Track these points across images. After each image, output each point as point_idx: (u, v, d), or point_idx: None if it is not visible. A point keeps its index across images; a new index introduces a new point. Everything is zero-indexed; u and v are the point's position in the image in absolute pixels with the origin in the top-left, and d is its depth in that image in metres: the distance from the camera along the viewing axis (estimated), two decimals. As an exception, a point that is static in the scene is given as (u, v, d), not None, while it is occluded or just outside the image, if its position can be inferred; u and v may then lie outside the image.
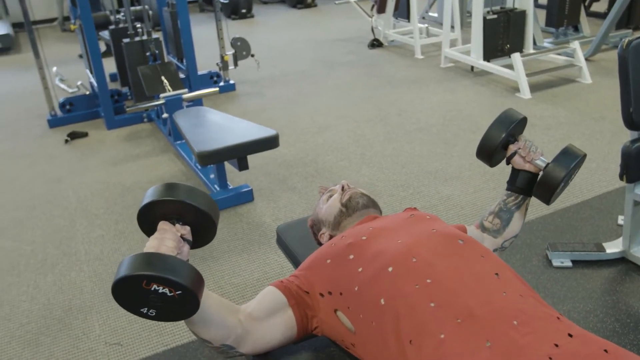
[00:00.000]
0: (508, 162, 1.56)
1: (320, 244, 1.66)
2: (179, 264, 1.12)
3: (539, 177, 1.48)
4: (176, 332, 2.12)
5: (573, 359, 1.03)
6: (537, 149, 1.52)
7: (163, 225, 1.21)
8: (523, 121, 1.58)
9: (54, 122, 4.48)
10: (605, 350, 1.05)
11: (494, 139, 1.53)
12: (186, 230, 1.23)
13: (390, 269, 1.24)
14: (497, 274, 1.23)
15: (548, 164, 1.46)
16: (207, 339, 1.24)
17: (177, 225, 1.22)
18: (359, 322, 1.26)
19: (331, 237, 1.59)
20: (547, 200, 1.47)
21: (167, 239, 1.18)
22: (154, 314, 1.13)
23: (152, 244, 1.16)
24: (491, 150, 1.54)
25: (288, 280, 1.40)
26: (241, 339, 1.28)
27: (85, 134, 4.23)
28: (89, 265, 2.59)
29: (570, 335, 1.09)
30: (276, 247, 2.54)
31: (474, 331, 1.08)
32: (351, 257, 1.33)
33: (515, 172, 1.57)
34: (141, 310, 1.12)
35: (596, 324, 2.02)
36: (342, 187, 1.64)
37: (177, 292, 1.09)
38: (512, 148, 1.55)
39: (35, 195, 3.34)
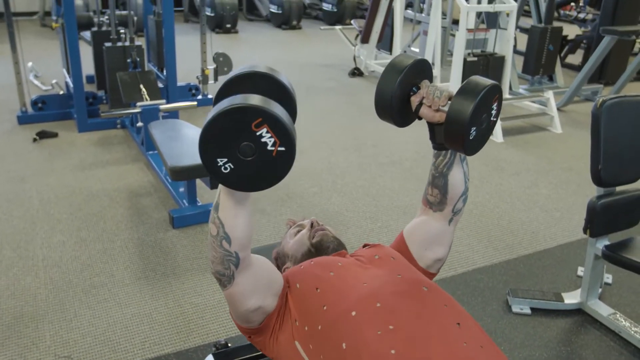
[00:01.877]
0: (418, 117, 1.32)
1: None
2: (291, 122, 1.04)
3: (444, 126, 1.22)
4: (129, 349, 2.06)
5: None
6: (443, 93, 1.27)
7: None
8: (421, 65, 1.29)
9: (23, 119, 4.38)
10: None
11: (385, 91, 1.27)
12: None
13: (353, 313, 1.24)
14: (458, 323, 1.23)
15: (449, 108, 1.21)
16: (231, 234, 1.18)
17: None
18: (319, 363, 1.25)
19: None
20: (464, 151, 1.23)
21: None
22: (229, 170, 1.03)
23: None
24: (387, 107, 1.28)
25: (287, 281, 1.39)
26: (246, 265, 1.24)
27: (55, 134, 4.14)
28: (46, 271, 2.52)
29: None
30: (240, 270, 2.52)
31: None
32: (318, 290, 1.33)
33: (430, 127, 1.34)
34: (218, 160, 1.03)
35: (550, 374, 2.05)
36: (312, 224, 1.63)
37: (280, 149, 1.01)
38: (414, 100, 1.30)
39: (-4, 193, 3.25)
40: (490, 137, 4.09)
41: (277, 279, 1.35)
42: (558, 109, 4.97)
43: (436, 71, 5.78)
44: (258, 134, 1.01)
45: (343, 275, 1.36)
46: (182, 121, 3.37)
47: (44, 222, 2.94)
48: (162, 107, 3.63)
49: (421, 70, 1.30)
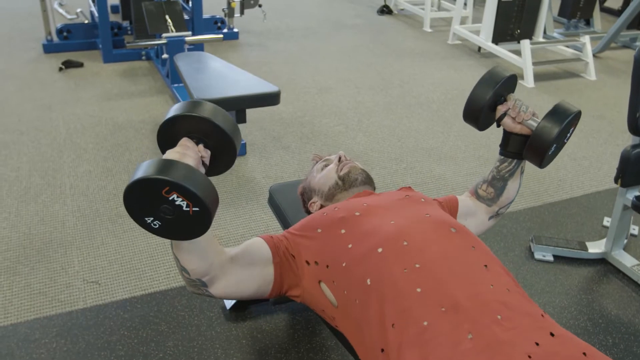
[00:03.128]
0: (498, 124, 1.48)
1: (309, 212, 1.64)
2: (205, 181, 1.09)
3: (529, 138, 1.39)
4: (155, 278, 2.11)
5: (552, 359, 1.04)
6: (528, 109, 1.43)
7: (186, 142, 1.18)
8: (512, 79, 1.47)
9: (49, 48, 4.36)
10: (584, 354, 1.06)
11: (479, 99, 1.43)
12: (207, 154, 1.20)
13: (380, 250, 1.23)
14: (486, 265, 1.22)
15: (539, 124, 1.37)
16: (187, 267, 1.22)
17: (200, 145, 1.19)
18: (342, 297, 1.26)
19: (322, 207, 1.57)
20: (539, 164, 1.40)
21: (189, 156, 1.14)
22: (158, 226, 1.10)
23: (172, 156, 1.12)
24: (477, 112, 1.44)
25: (278, 238, 1.39)
26: (216, 280, 1.26)
27: (80, 64, 4.12)
28: (74, 199, 2.56)
29: (551, 335, 1.09)
30: (264, 205, 2.53)
31: (457, 322, 1.08)
32: (342, 231, 1.32)
33: (507, 135, 1.48)
34: (146, 219, 1.09)
35: (569, 320, 2.05)
36: (339, 158, 1.61)
37: (194, 209, 1.06)
38: (500, 109, 1.45)
39: (24, 121, 3.27)
40: (521, 82, 4.19)
41: (258, 258, 1.34)
42: (593, 55, 4.79)
43: (469, 11, 5.59)
44: (170, 198, 1.05)
45: (370, 213, 1.35)
46: (208, 54, 3.31)
47: (70, 151, 2.97)
48: (187, 39, 3.57)
49: (510, 83, 1.47)
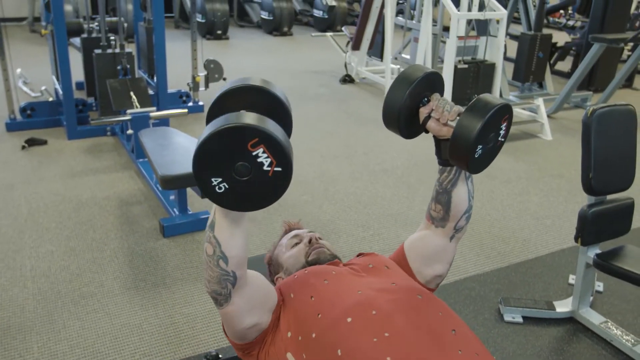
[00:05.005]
0: (425, 130, 1.31)
1: (273, 284, 1.63)
2: (288, 141, 1.02)
3: (450, 140, 1.20)
4: (119, 361, 2.04)
5: None
6: (453, 108, 1.25)
7: None
8: (432, 77, 1.27)
9: (12, 126, 4.34)
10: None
11: (394, 102, 1.24)
12: None
13: (349, 320, 1.23)
14: (454, 330, 1.23)
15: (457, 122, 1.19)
16: (227, 254, 1.16)
17: None
18: (313, 371, 1.24)
19: None
20: (467, 168, 1.22)
21: None
22: (223, 190, 1.01)
23: None
24: (394, 117, 1.25)
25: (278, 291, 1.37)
26: (243, 285, 1.22)
27: (44, 142, 4.11)
28: (34, 282, 2.49)
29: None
30: (231, 279, 2.50)
31: None
32: (312, 299, 1.32)
33: (437, 141, 1.33)
34: (213, 180, 1.00)
35: (542, 383, 2.04)
36: (310, 240, 1.60)
37: (276, 170, 0.99)
38: (423, 111, 1.28)
39: (-16, 202, 3.21)
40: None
41: (272, 295, 1.34)
42: (548, 116, 5.00)
43: (427, 78, 5.79)
44: (254, 154, 0.99)
45: (337, 283, 1.36)
46: (173, 129, 3.35)
47: (32, 231, 2.91)
48: (152, 114, 3.61)
49: (433, 82, 1.28)
